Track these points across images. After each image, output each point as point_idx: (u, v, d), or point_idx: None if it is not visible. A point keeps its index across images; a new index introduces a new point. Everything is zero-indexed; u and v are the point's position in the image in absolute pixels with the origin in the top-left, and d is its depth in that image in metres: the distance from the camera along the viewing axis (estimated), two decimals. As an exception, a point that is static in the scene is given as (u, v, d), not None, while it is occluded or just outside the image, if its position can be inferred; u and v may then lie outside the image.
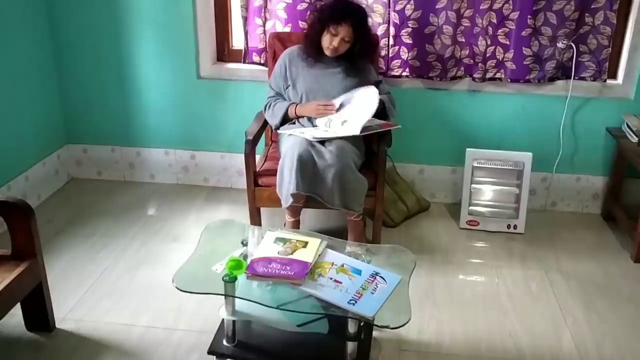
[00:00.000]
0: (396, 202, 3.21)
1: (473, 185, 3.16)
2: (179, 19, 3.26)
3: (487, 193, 3.17)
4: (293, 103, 2.83)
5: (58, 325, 2.37)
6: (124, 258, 2.84)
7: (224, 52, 3.43)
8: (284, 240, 2.12)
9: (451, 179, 3.42)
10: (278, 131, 2.84)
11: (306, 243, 2.12)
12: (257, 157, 2.90)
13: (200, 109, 3.44)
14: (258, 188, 2.80)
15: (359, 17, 2.71)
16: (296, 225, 2.85)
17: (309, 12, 3.10)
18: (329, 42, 2.70)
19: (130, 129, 3.54)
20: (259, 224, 2.91)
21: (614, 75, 3.20)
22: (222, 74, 3.37)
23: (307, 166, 2.53)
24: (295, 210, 2.78)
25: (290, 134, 2.69)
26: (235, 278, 1.94)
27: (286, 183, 2.58)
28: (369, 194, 2.69)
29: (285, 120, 2.84)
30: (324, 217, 3.21)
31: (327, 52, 2.75)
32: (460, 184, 3.35)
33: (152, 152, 3.57)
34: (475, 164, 3.13)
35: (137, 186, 3.60)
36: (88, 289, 2.60)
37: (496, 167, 3.12)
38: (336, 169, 2.52)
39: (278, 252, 2.06)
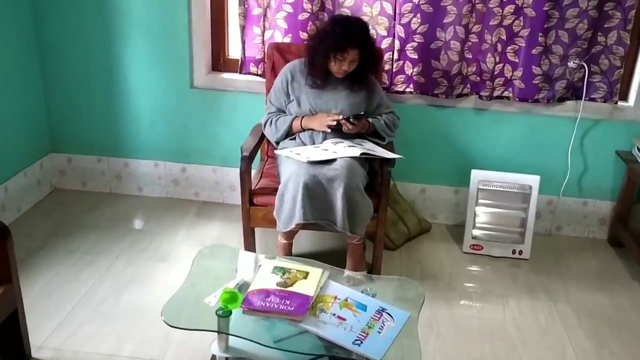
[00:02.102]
0: (397, 223, 3.06)
1: (477, 208, 3.02)
2: (173, 25, 3.10)
3: (491, 216, 3.03)
4: (297, 116, 2.68)
5: (34, 354, 2.19)
6: (109, 278, 2.67)
7: (219, 61, 3.27)
8: (282, 270, 1.97)
9: (454, 199, 3.28)
10: (275, 152, 2.69)
11: (307, 274, 1.96)
12: (252, 172, 2.74)
13: (192, 120, 3.28)
14: (253, 207, 2.64)
15: (364, 35, 2.57)
16: (289, 248, 2.71)
17: (310, 24, 2.96)
18: (339, 67, 2.58)
19: (118, 139, 3.37)
20: (253, 244, 2.76)
21: (625, 97, 3.08)
22: (216, 84, 3.21)
23: (315, 193, 2.39)
24: (291, 234, 2.63)
25: (287, 156, 2.54)
26: (230, 312, 1.78)
27: (287, 209, 2.43)
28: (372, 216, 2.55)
29: (288, 134, 2.70)
30: (318, 239, 3.05)
31: (337, 76, 2.63)
32: (463, 205, 3.22)
33: (140, 163, 3.40)
34: (481, 186, 2.99)
35: (124, 199, 3.42)
36: (68, 313, 2.42)
37: (502, 189, 2.99)
38: (345, 185, 2.38)
39: (277, 284, 1.90)
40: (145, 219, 3.22)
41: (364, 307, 1.86)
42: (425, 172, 3.25)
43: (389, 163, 2.60)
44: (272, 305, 1.80)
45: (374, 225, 2.62)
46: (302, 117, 2.68)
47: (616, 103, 3.02)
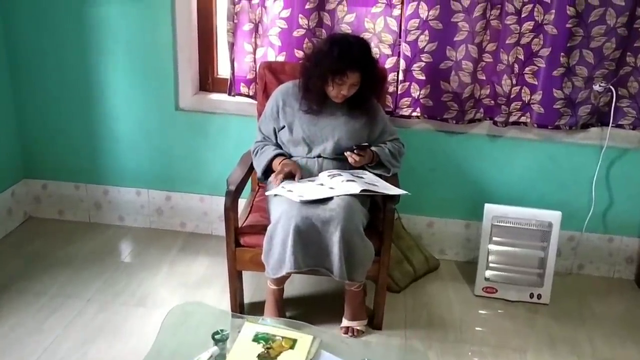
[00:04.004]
0: (401, 262, 2.76)
1: (491, 246, 2.72)
2: (157, 41, 2.82)
3: (507, 256, 2.72)
4: (280, 154, 2.41)
5: None
6: (77, 326, 2.37)
7: (207, 81, 2.99)
8: (265, 338, 1.67)
9: (464, 234, 2.98)
10: (265, 193, 2.39)
11: (294, 342, 1.68)
12: (240, 203, 2.45)
13: (178, 145, 3.00)
14: (240, 248, 2.35)
15: (365, 57, 2.28)
16: (280, 294, 2.41)
17: (306, 41, 2.67)
18: (337, 91, 2.30)
19: (97, 164, 3.09)
20: (240, 289, 2.47)
21: (655, 124, 2.78)
22: (204, 105, 2.93)
23: (307, 237, 2.11)
24: (281, 280, 2.34)
25: (276, 194, 2.26)
26: (200, 395, 1.49)
27: (276, 254, 2.14)
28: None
29: (270, 169, 2.42)
30: (314, 280, 2.73)
31: (336, 100, 2.35)
32: (475, 240, 2.93)
33: (121, 191, 3.12)
34: (495, 222, 2.68)
35: (104, 229, 3.13)
36: (27, 371, 2.14)
37: (519, 226, 2.68)
38: (342, 228, 2.10)
39: (258, 356, 1.61)
40: (125, 254, 2.94)
41: (361, 386, 1.57)
42: (433, 204, 2.94)
43: (392, 199, 2.30)
44: (250, 386, 1.51)
45: (376, 269, 2.33)
46: (282, 159, 2.38)
47: (646, 130, 2.72)
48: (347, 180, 2.28)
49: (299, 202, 2.14)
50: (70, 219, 3.19)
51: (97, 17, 2.80)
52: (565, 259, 2.94)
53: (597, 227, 2.87)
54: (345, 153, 2.34)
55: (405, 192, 2.30)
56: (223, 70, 2.98)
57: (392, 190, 2.30)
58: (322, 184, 2.30)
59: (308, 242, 2.11)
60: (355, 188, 2.21)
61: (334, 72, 2.24)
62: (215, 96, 2.95)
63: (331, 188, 2.25)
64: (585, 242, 2.90)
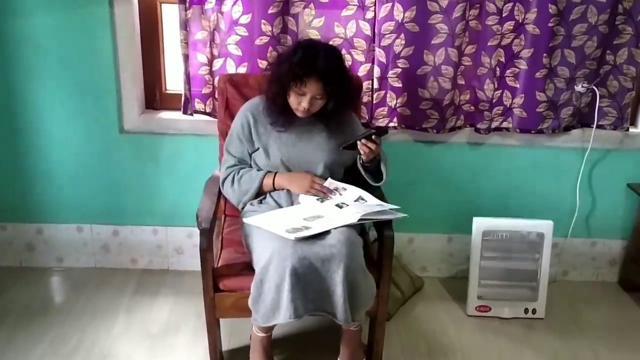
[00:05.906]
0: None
1: (482, 262, 2.54)
2: (94, 56, 2.44)
3: (498, 270, 2.56)
4: (269, 172, 2.13)
5: None
6: (27, 405, 1.98)
7: (154, 98, 2.63)
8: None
9: (446, 249, 2.80)
10: (244, 220, 2.08)
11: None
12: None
13: (125, 172, 2.63)
14: (219, 294, 2.03)
15: (328, 66, 1.99)
16: (268, 342, 2.12)
17: (270, 49, 2.39)
18: (297, 103, 2.02)
19: (28, 200, 2.66)
20: (218, 337, 2.15)
21: (634, 123, 2.71)
22: (153, 126, 2.57)
23: (306, 280, 1.82)
24: (271, 326, 2.04)
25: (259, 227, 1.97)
26: None
27: (269, 301, 1.85)
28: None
29: (258, 193, 2.14)
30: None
31: (298, 114, 2.07)
32: (458, 254, 2.78)
33: (59, 228, 2.70)
34: (485, 236, 2.51)
35: (40, 274, 2.71)
36: None
37: (509, 239, 2.53)
38: (345, 267, 1.83)
39: None
40: (70, 303, 2.53)
41: None
42: (414, 219, 2.65)
43: (388, 223, 2.07)
44: None
45: (375, 303, 2.08)
46: (275, 173, 2.11)
47: (627, 130, 2.63)
48: (338, 205, 2.03)
49: (294, 239, 1.85)
50: (-2, 265, 2.75)
51: (21, 29, 2.38)
52: (550, 267, 2.82)
53: (581, 232, 2.78)
54: (359, 141, 2.03)
55: (403, 214, 2.07)
56: (172, 84, 2.63)
57: (388, 214, 2.07)
58: (311, 216, 2.02)
59: (307, 285, 1.83)
60: (352, 218, 1.95)
61: (291, 78, 1.97)
62: (165, 115, 2.60)
63: (320, 216, 1.99)
64: (569, 248, 2.80)
